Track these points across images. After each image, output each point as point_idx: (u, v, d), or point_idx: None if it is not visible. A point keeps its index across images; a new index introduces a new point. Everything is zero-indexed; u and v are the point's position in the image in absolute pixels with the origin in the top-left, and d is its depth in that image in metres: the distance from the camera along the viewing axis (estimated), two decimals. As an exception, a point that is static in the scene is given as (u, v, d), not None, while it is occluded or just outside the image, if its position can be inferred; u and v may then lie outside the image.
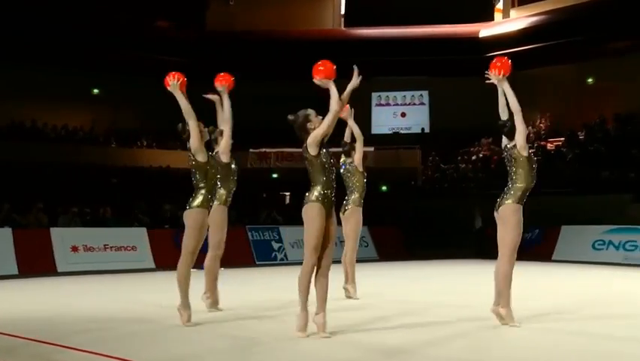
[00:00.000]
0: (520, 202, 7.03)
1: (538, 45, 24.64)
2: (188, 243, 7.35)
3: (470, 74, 26.51)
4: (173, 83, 7.26)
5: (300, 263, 6.48)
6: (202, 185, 7.39)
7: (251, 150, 25.92)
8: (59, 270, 14.40)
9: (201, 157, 7.37)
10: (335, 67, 6.53)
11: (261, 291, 11.36)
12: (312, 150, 6.44)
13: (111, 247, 15.60)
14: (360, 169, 9.72)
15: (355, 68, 6.58)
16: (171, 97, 7.25)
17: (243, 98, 22.13)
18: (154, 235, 16.51)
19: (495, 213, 7.20)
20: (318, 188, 6.47)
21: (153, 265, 15.76)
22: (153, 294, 10.78)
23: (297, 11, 27.82)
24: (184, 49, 24.92)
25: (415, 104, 28.73)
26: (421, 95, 28.60)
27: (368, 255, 19.16)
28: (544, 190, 20.68)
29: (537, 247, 19.29)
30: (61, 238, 15.05)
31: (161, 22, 24.28)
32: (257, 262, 17.54)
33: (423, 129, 28.46)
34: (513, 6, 27.21)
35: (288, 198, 25.46)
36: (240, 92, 26.09)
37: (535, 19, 25.39)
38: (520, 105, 6.98)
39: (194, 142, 7.29)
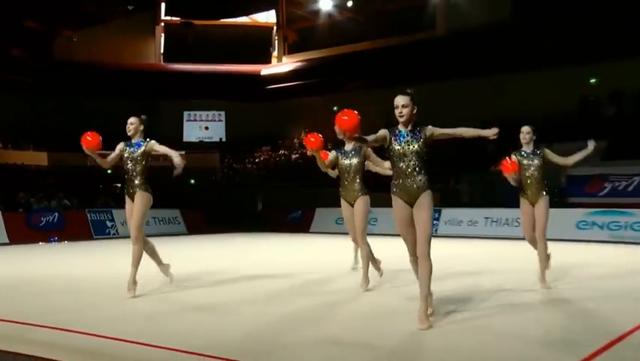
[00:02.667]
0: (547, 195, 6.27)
1: (301, 82, 25.83)
2: (363, 225, 6.11)
3: (254, 100, 27.42)
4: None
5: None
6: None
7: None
8: None
9: None
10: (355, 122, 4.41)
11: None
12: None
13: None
14: None
15: None
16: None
17: (87, 112, 21.27)
18: (8, 217, 15.78)
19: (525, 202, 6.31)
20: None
21: (7, 241, 15.11)
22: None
23: (127, 47, 26.99)
24: (33, 72, 23.19)
25: (215, 120, 28.96)
26: (220, 114, 28.93)
27: (179, 230, 19.48)
28: (307, 185, 21.75)
29: (299, 223, 20.75)
30: None
31: (14, 51, 22.35)
32: (94, 237, 17.16)
33: (221, 139, 28.75)
34: (285, 54, 28.42)
35: (119, 188, 24.65)
36: (85, 107, 24.91)
37: (299, 64, 26.68)
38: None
39: None
